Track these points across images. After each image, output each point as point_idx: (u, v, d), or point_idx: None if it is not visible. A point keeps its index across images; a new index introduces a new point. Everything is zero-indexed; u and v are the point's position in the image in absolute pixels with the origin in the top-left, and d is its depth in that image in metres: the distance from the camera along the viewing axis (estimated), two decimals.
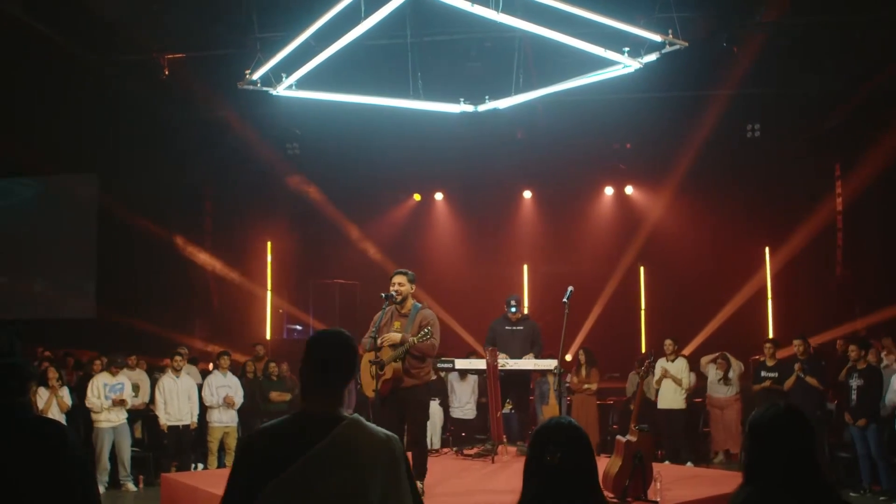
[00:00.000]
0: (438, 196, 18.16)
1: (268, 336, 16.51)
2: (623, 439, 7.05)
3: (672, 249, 16.05)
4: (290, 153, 16.02)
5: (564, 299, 7.82)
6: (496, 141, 15.36)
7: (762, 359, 11.80)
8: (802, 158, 14.80)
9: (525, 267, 17.94)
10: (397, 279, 7.37)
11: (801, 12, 11.27)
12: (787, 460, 2.75)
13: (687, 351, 14.81)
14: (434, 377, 11.85)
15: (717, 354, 12.88)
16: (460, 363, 9.85)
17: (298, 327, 17.26)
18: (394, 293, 7.26)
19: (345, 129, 14.30)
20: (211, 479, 8.17)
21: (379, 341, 7.05)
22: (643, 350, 16.64)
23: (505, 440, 9.55)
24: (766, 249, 15.81)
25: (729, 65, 12.24)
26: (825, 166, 15.26)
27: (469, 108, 9.84)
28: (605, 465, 7.17)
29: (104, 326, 15.20)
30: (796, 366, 10.92)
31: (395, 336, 7.09)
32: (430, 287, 17.28)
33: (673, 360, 12.19)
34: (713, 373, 12.66)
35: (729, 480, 8.33)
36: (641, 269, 17.22)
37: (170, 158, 15.45)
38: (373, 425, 2.99)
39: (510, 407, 11.79)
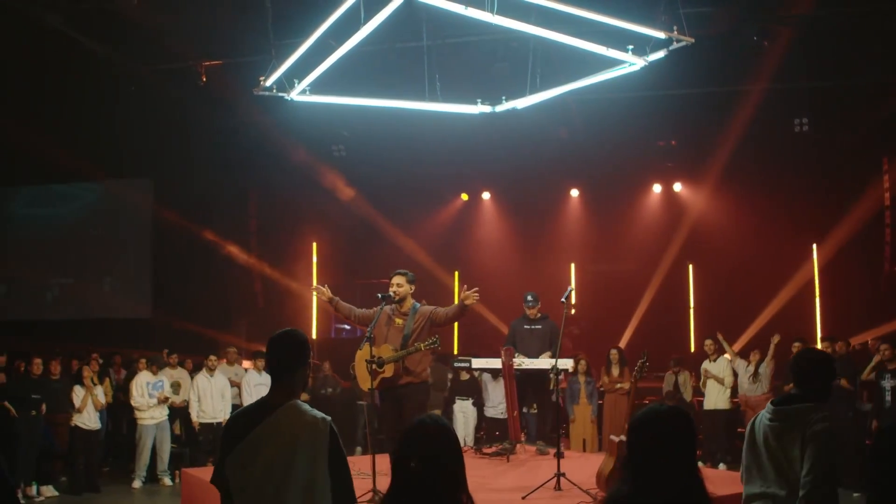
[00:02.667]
0: (486, 195, 18.24)
1: (314, 335, 16.77)
2: (616, 439, 7.03)
3: (719, 246, 15.84)
4: (336, 155, 16.24)
5: (563, 299, 7.80)
6: (542, 140, 15.33)
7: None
8: (849, 152, 14.43)
9: (572, 265, 17.90)
10: (396, 279, 7.50)
11: (847, 3, 11.02)
12: (662, 459, 2.73)
13: (735, 349, 14.57)
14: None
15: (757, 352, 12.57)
16: (477, 362, 9.90)
17: (346, 327, 17.51)
18: (392, 293, 7.39)
19: (390, 131, 14.33)
20: None
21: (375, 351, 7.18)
22: (692, 348, 16.46)
23: (523, 439, 9.57)
24: (814, 246, 15.45)
25: (773, 59, 12.03)
26: (873, 160, 14.84)
27: (487, 108, 9.87)
28: (599, 464, 7.19)
29: (158, 327, 15.72)
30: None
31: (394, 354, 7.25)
32: (476, 286, 17.35)
33: (714, 361, 12.05)
34: (742, 369, 12.40)
35: (734, 483, 8.23)
36: (690, 266, 17.03)
37: (215, 162, 15.86)
38: (309, 409, 3.45)
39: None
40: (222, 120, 14.62)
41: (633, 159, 16.18)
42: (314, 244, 17.42)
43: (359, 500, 6.92)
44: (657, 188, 17.10)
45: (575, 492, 7.17)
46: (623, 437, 6.99)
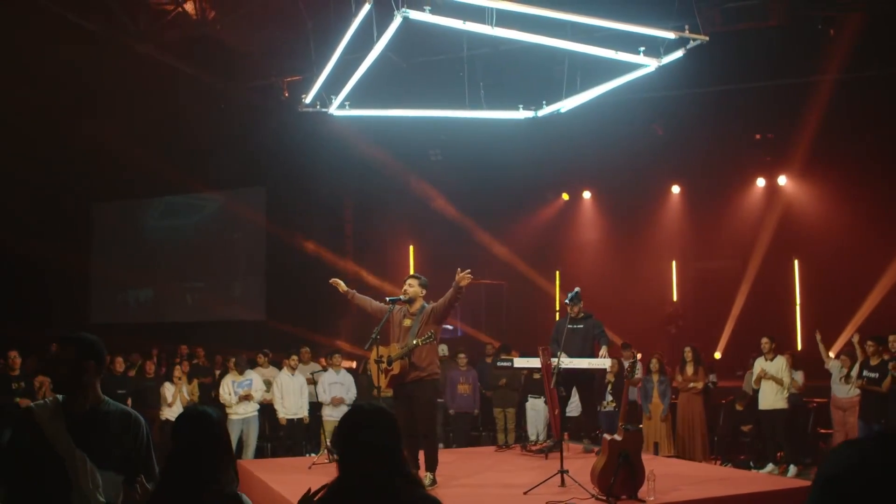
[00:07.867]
0: (587, 195, 18.29)
1: None
2: (609, 437, 7.12)
3: (824, 241, 15.35)
4: (433, 159, 16.64)
5: (566, 301, 7.92)
6: (640, 137, 15.29)
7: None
8: None
9: (674, 263, 17.70)
10: (409, 281, 7.95)
11: None
12: (363, 456, 2.82)
13: (837, 346, 14.08)
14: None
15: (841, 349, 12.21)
16: (519, 362, 10.08)
17: (448, 327, 17.92)
18: (402, 293, 7.83)
19: (486, 134, 14.40)
20: (264, 466, 9.17)
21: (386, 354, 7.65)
22: (798, 346, 15.94)
23: (567, 437, 9.71)
24: None
25: (846, 47, 11.66)
26: None
27: (529, 113, 10.09)
28: (593, 462, 7.31)
29: (270, 330, 16.67)
30: (891, 365, 10.13)
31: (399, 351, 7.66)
32: (576, 285, 17.40)
33: (771, 360, 11.76)
34: (836, 370, 12.01)
35: (742, 482, 8.15)
36: (796, 261, 16.51)
37: (311, 170, 16.61)
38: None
39: (613, 405, 11.89)
40: (315, 129, 15.31)
41: (732, 154, 15.92)
42: (411, 247, 17.94)
43: None
44: (761, 182, 16.70)
45: (579, 490, 7.32)
46: (615, 437, 7.10)
